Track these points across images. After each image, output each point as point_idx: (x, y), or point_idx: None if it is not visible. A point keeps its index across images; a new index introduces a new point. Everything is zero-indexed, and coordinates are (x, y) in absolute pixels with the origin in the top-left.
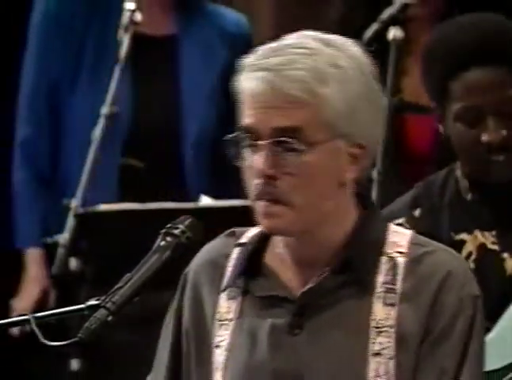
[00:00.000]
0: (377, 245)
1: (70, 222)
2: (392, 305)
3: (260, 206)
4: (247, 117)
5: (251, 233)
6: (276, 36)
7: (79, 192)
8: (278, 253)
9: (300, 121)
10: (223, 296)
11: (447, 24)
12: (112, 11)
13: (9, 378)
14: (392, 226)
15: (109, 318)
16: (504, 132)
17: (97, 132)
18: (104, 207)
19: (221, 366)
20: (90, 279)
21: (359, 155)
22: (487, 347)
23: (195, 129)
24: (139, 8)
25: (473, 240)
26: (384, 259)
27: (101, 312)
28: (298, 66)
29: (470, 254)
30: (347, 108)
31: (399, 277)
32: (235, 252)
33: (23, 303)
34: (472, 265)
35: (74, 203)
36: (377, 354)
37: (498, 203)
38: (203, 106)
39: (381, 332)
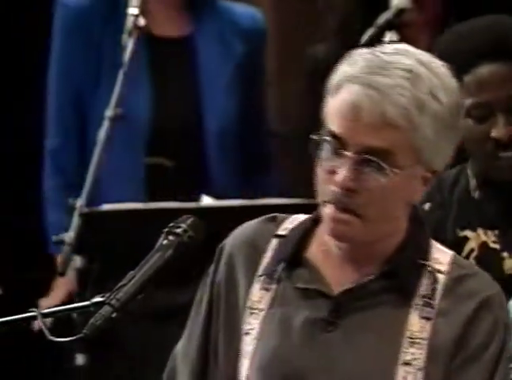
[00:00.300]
0: (422, 259)
1: (75, 221)
2: (428, 319)
3: (331, 210)
4: (339, 125)
5: (291, 224)
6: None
7: (84, 192)
8: (323, 249)
9: (392, 145)
10: (257, 284)
11: (461, 24)
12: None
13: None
14: (435, 243)
15: (114, 315)
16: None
17: (102, 134)
18: (108, 206)
19: (250, 355)
20: (95, 276)
21: (430, 179)
22: None
23: (216, 125)
24: (155, 11)
25: (476, 237)
26: (426, 273)
27: (106, 309)
28: (402, 92)
29: (472, 251)
30: (436, 137)
31: (438, 293)
32: (274, 243)
33: (50, 302)
34: (473, 261)
35: (79, 202)
36: (407, 363)
37: (503, 203)
38: (222, 102)
39: (414, 343)
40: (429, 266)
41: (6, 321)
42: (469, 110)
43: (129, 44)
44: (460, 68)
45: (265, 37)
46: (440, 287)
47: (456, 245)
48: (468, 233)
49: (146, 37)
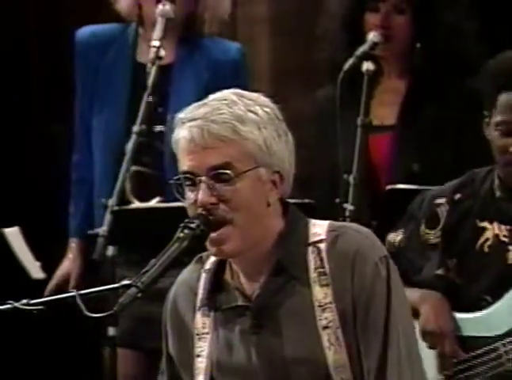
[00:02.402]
0: (302, 240)
1: (108, 217)
2: (327, 285)
3: (209, 238)
4: (186, 162)
5: (214, 257)
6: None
7: (115, 194)
8: (234, 269)
9: (229, 157)
10: (199, 314)
11: (503, 54)
12: (128, 44)
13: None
14: (312, 220)
15: (139, 295)
16: None
17: (130, 146)
18: (134, 205)
19: (203, 371)
20: (123, 263)
21: (278, 181)
22: (489, 318)
23: None
24: (144, 41)
25: (492, 229)
26: (310, 249)
27: (132, 290)
28: (221, 111)
29: (487, 240)
30: (264, 141)
31: (324, 259)
32: (203, 277)
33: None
34: (487, 249)
35: (111, 202)
36: (326, 327)
37: None
38: None
39: (324, 309)
40: (310, 243)
41: (50, 300)
42: (497, 125)
43: (152, 71)
44: (496, 89)
45: (236, 68)
46: (324, 255)
47: (475, 232)
48: (485, 224)
49: (131, 63)
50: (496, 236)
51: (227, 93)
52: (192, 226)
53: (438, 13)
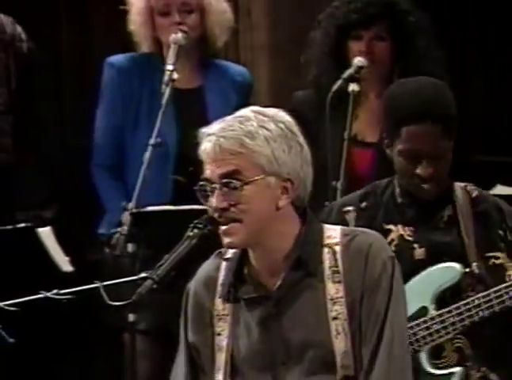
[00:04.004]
0: (318, 241)
1: (128, 218)
2: (339, 282)
3: (220, 230)
4: (206, 171)
5: (234, 249)
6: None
7: (134, 198)
8: (252, 265)
9: (236, 166)
10: (219, 300)
11: (407, 83)
12: (160, 72)
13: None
14: (326, 225)
15: (154, 286)
16: (431, 170)
17: (146, 156)
18: (150, 208)
19: (224, 348)
20: (141, 258)
21: (289, 188)
22: None
23: None
24: (178, 70)
25: (396, 231)
26: (325, 249)
27: (149, 282)
28: (233, 127)
29: (392, 240)
30: (272, 153)
31: (339, 260)
32: (223, 265)
33: None
34: (393, 248)
35: (131, 205)
36: (335, 318)
37: (418, 209)
38: None
39: (335, 302)
40: (325, 244)
41: (76, 290)
42: (402, 152)
43: (166, 92)
44: (399, 122)
45: (252, 89)
46: (338, 255)
47: (382, 234)
48: (391, 226)
49: (172, 89)
50: (401, 236)
51: (247, 110)
52: (201, 226)
53: (412, 40)
